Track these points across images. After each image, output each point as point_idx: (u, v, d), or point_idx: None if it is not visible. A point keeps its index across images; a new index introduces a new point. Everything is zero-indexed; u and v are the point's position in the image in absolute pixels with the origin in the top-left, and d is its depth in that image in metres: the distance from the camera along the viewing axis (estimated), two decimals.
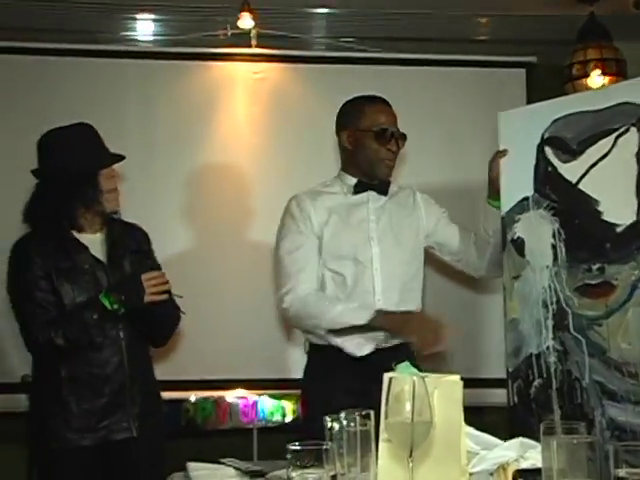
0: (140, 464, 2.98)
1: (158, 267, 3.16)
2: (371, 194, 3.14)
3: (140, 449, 2.99)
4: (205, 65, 4.32)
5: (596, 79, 4.34)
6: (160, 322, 3.09)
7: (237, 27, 4.23)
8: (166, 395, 3.97)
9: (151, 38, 4.49)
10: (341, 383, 2.98)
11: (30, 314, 2.94)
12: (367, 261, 3.08)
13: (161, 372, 3.93)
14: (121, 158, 3.11)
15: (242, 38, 4.30)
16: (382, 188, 3.15)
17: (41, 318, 2.92)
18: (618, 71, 4.35)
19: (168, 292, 3.03)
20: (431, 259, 3.65)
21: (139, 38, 4.49)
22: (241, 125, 4.35)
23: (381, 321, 2.95)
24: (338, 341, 3.02)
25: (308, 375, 3.20)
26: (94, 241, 3.06)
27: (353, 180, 3.15)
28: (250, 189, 4.33)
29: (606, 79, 4.34)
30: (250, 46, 4.32)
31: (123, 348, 2.99)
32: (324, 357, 3.08)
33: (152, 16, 4.39)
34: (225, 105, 4.36)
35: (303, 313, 3.04)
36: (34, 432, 3.04)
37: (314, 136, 4.29)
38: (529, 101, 4.40)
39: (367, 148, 3.08)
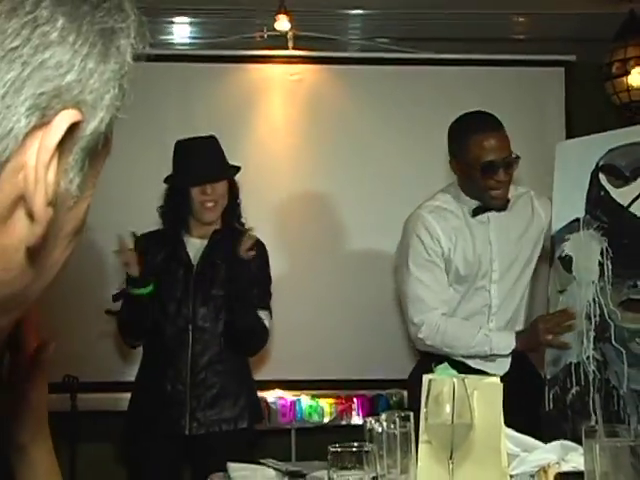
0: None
1: (261, 275, 3.32)
2: (490, 214, 3.12)
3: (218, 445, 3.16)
4: (242, 67, 4.35)
5: (636, 77, 4.30)
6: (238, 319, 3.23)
7: (274, 29, 4.19)
8: None
9: (188, 41, 4.48)
10: None
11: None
12: (486, 283, 3.11)
13: None
14: (211, 178, 3.23)
15: (279, 40, 4.29)
16: (501, 207, 3.12)
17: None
18: None
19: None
20: None
21: (176, 41, 4.48)
22: (278, 126, 4.38)
23: (519, 346, 3.04)
24: (479, 363, 3.10)
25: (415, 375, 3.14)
26: (195, 245, 3.30)
27: (472, 202, 3.12)
28: (288, 190, 4.36)
29: None
30: (287, 48, 4.32)
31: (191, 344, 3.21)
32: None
33: (189, 19, 4.38)
34: (262, 107, 4.38)
35: (439, 342, 3.07)
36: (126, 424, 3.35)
37: (350, 137, 4.32)
38: (568, 100, 4.42)
39: (475, 180, 3.04)
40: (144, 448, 3.21)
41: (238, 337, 3.23)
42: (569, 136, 3.93)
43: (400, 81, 4.34)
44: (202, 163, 3.25)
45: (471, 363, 3.07)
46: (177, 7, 4.25)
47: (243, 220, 3.38)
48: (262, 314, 3.26)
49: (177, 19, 4.38)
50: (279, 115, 4.38)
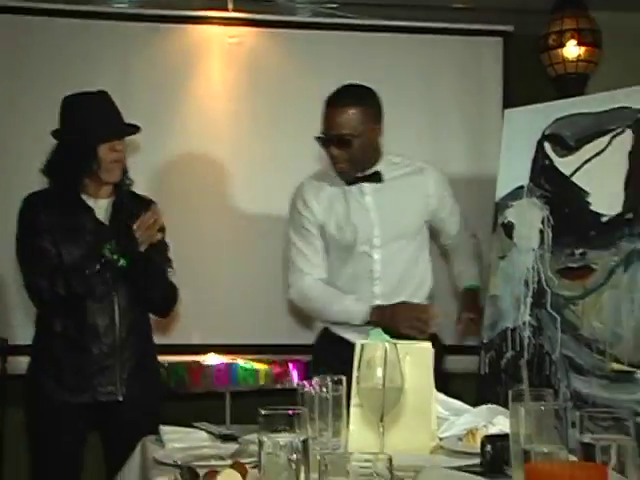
0: (128, 427, 2.97)
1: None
2: (364, 185, 3.17)
3: (128, 412, 3.04)
4: (180, 28, 4.27)
5: (571, 49, 4.38)
6: (152, 289, 3.14)
7: None
8: None
9: (133, 2, 4.39)
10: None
11: (33, 262, 3.04)
12: (368, 249, 3.15)
13: None
14: (126, 132, 3.13)
15: (219, 1, 4.24)
16: (374, 178, 3.17)
17: (44, 266, 3.00)
18: (593, 41, 4.38)
19: (162, 230, 3.11)
20: None
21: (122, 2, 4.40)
22: (216, 89, 4.32)
23: (374, 317, 3.06)
24: (339, 331, 3.18)
25: (316, 348, 3.39)
26: (100, 206, 3.12)
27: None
28: (226, 155, 4.32)
29: (581, 49, 4.37)
30: (227, 10, 4.27)
31: (116, 312, 3.05)
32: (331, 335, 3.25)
33: None
34: (201, 70, 4.32)
35: (305, 307, 3.30)
36: (27, 390, 3.16)
37: (290, 103, 4.30)
38: (505, 70, 4.45)
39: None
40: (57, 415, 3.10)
41: (156, 304, 3.25)
42: (506, 106, 3.96)
43: (341, 47, 4.32)
44: (109, 119, 3.09)
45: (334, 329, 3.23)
46: None
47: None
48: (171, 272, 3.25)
49: None
50: (217, 78, 4.32)
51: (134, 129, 3.14)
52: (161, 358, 4.15)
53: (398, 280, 3.17)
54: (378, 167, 3.16)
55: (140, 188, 3.80)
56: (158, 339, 3.99)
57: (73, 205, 3.09)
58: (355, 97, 3.10)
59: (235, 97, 4.31)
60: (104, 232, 3.07)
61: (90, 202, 3.11)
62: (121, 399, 3.03)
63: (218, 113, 4.30)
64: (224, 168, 4.32)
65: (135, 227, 2.99)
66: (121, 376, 3.05)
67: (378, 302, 3.12)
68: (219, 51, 4.29)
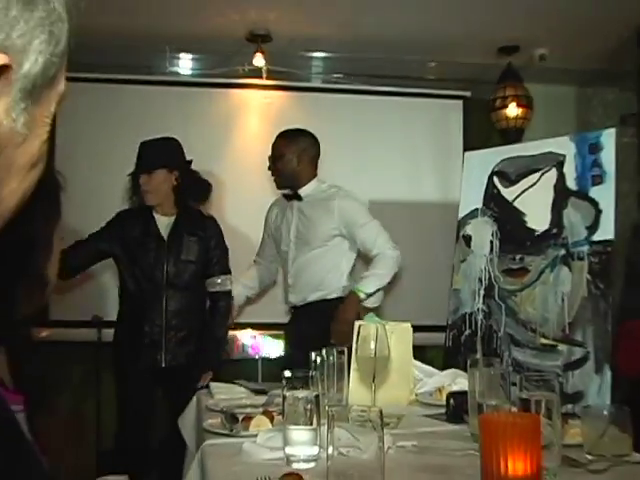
0: (179, 387, 2.95)
1: (219, 250, 3.11)
2: (292, 202, 3.20)
3: (179, 376, 3.03)
4: (228, 92, 4.27)
5: (512, 109, 4.37)
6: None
7: (252, 64, 4.14)
8: None
9: (189, 72, 4.38)
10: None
11: None
12: (285, 249, 3.21)
13: None
14: (142, 170, 3.02)
15: (256, 72, 4.23)
16: (295, 197, 3.20)
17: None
18: (527, 104, 4.38)
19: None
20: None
21: (181, 72, 4.38)
22: (253, 138, 4.28)
23: None
24: None
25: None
26: (164, 223, 3.08)
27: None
28: (260, 191, 4.17)
29: (519, 110, 4.36)
30: (262, 78, 4.25)
31: (164, 308, 3.03)
32: None
33: (191, 55, 4.31)
34: (242, 122, 4.31)
35: None
36: (112, 358, 3.18)
37: None
38: (465, 124, 4.44)
39: None
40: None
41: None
42: (465, 149, 3.95)
43: (347, 106, 4.31)
44: (141, 158, 3.04)
45: None
46: (182, 46, 4.21)
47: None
48: (225, 278, 3.10)
49: (182, 55, 4.32)
50: (254, 129, 4.29)
51: (151, 166, 3.01)
52: None
53: (309, 276, 3.16)
54: (306, 189, 3.18)
55: None
56: None
57: (146, 221, 3.07)
58: (290, 135, 3.23)
59: (267, 144, 4.25)
60: (161, 247, 3.03)
61: (156, 218, 3.07)
62: (164, 365, 3.00)
63: (254, 156, 4.25)
64: (257, 204, 4.20)
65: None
66: (166, 348, 3.01)
67: (290, 290, 3.18)
68: (256, 109, 4.27)
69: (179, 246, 3.02)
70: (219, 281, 3.06)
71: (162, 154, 3.04)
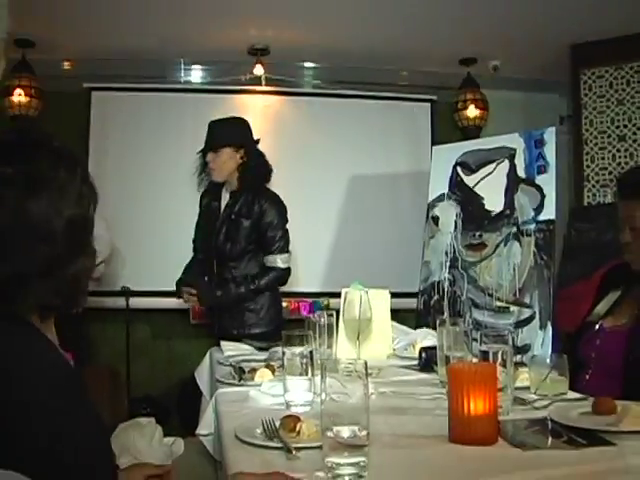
0: None
1: (274, 231, 2.67)
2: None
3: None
4: (232, 97, 4.18)
5: (472, 111, 4.34)
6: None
7: (253, 73, 4.08)
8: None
9: (199, 80, 4.31)
10: None
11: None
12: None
13: None
14: (207, 148, 2.71)
15: (256, 81, 4.16)
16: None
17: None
18: (484, 107, 4.34)
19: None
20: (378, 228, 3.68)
21: (193, 80, 4.30)
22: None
23: None
24: None
25: None
26: (224, 197, 2.78)
27: None
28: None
29: (478, 111, 4.32)
30: (261, 85, 4.19)
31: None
32: None
33: (200, 66, 4.25)
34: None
35: None
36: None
37: (304, 147, 4.22)
38: (432, 123, 4.39)
39: None
40: None
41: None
42: (433, 143, 3.93)
43: (334, 107, 4.26)
44: (209, 136, 2.72)
45: None
46: (193, 59, 4.16)
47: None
48: (278, 257, 2.68)
49: (194, 66, 4.25)
50: (256, 131, 4.24)
51: (216, 144, 2.67)
52: None
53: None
54: None
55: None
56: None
57: (214, 198, 2.79)
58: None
59: (267, 144, 4.20)
60: (214, 223, 2.73)
61: (222, 195, 2.77)
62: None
63: None
64: None
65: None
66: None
67: None
68: (257, 112, 4.18)
69: (229, 225, 2.70)
70: (272, 259, 2.69)
71: (228, 133, 2.71)
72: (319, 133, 4.27)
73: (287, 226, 2.73)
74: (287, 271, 2.72)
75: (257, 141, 2.79)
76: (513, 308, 2.68)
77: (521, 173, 2.80)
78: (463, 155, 3.06)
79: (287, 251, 2.71)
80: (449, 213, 3.05)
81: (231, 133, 2.73)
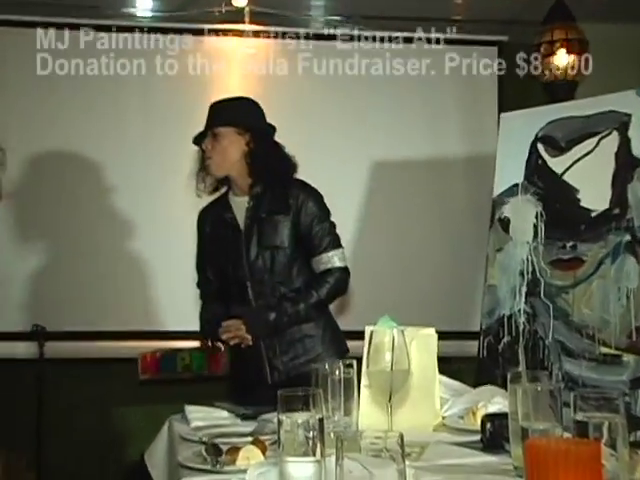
0: None
1: (320, 224, 2.90)
2: None
3: None
4: (199, 40, 4.25)
5: (562, 58, 4.37)
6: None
7: (231, 4, 4.15)
8: (166, 344, 4.03)
9: (150, 14, 4.37)
10: None
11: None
12: None
13: (163, 323, 3.96)
14: (205, 132, 2.88)
15: (236, 15, 4.23)
16: None
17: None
18: (581, 50, 4.36)
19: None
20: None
21: (138, 14, 4.37)
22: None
23: None
24: None
25: None
26: (239, 205, 2.93)
27: None
28: None
29: (571, 57, 4.36)
30: (244, 22, 4.25)
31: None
32: None
33: None
34: (219, 78, 4.29)
35: None
36: None
37: (306, 119, 4.29)
38: (501, 78, 4.45)
39: None
40: None
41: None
42: (501, 110, 3.96)
43: (353, 57, 4.28)
44: (207, 120, 2.90)
45: None
46: None
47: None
48: (333, 254, 2.90)
49: None
50: (235, 88, 4.20)
51: (213, 126, 2.86)
52: (184, 344, 4.22)
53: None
54: None
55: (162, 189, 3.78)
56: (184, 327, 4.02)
57: (223, 208, 2.96)
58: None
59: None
60: (239, 241, 2.89)
61: (232, 202, 2.95)
62: None
63: None
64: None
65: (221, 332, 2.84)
66: None
67: None
68: (237, 62, 4.28)
69: (262, 228, 2.87)
70: (325, 259, 2.89)
71: (230, 111, 2.88)
72: (328, 98, 4.33)
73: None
74: (347, 272, 2.95)
75: (272, 127, 2.96)
76: (627, 357, 2.69)
77: (638, 151, 2.81)
78: (548, 126, 3.07)
79: (341, 246, 2.95)
80: (526, 214, 3.07)
81: (233, 111, 2.90)
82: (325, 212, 2.94)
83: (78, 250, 4.16)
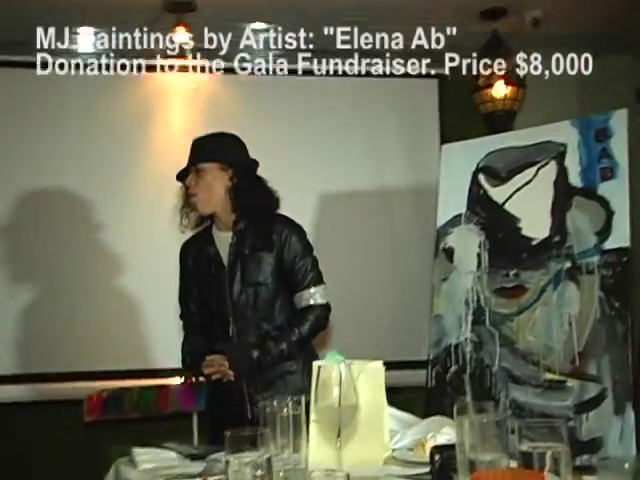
0: None
1: (304, 259, 2.95)
2: None
3: None
4: (142, 77, 4.26)
5: (500, 89, 4.44)
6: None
7: (173, 41, 4.12)
8: (110, 384, 3.97)
9: (92, 50, 4.34)
10: None
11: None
12: None
13: (108, 363, 3.90)
14: (188, 169, 2.90)
15: (177, 51, 4.20)
16: None
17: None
18: (518, 82, 4.43)
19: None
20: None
21: (79, 51, 4.33)
22: (177, 134, 4.27)
23: None
24: None
25: None
26: (222, 241, 2.95)
27: None
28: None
29: (509, 89, 4.43)
30: (186, 58, 4.22)
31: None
32: None
33: (93, 29, 4.25)
34: (162, 114, 4.33)
35: None
36: None
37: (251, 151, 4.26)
38: (441, 110, 4.51)
39: None
40: None
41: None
42: (443, 141, 4.01)
43: (294, 90, 4.35)
44: (189, 156, 2.92)
45: None
46: (81, 18, 4.16)
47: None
48: (315, 290, 2.94)
49: (81, 29, 4.27)
50: (178, 123, 4.32)
51: (195, 163, 2.88)
52: (131, 383, 4.17)
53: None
54: None
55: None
56: (129, 366, 3.97)
57: (206, 242, 2.98)
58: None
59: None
60: (223, 277, 2.92)
61: (215, 237, 2.98)
62: None
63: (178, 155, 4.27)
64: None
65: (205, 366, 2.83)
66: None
67: None
68: (180, 97, 4.30)
69: (245, 264, 2.91)
70: (307, 295, 2.94)
71: (212, 146, 2.92)
72: (273, 130, 4.33)
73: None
74: (328, 308, 2.99)
75: (255, 162, 3.02)
76: (571, 382, 2.71)
77: (575, 180, 2.86)
78: (488, 156, 3.12)
79: (323, 282, 2.99)
80: (469, 243, 3.09)
81: (216, 147, 2.94)
82: (308, 248, 3.00)
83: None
